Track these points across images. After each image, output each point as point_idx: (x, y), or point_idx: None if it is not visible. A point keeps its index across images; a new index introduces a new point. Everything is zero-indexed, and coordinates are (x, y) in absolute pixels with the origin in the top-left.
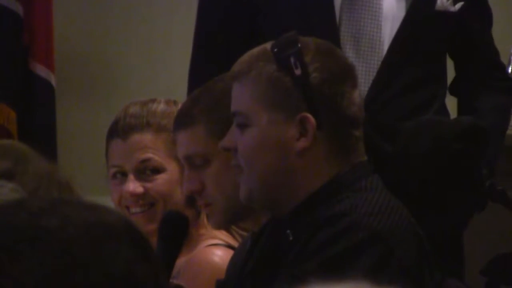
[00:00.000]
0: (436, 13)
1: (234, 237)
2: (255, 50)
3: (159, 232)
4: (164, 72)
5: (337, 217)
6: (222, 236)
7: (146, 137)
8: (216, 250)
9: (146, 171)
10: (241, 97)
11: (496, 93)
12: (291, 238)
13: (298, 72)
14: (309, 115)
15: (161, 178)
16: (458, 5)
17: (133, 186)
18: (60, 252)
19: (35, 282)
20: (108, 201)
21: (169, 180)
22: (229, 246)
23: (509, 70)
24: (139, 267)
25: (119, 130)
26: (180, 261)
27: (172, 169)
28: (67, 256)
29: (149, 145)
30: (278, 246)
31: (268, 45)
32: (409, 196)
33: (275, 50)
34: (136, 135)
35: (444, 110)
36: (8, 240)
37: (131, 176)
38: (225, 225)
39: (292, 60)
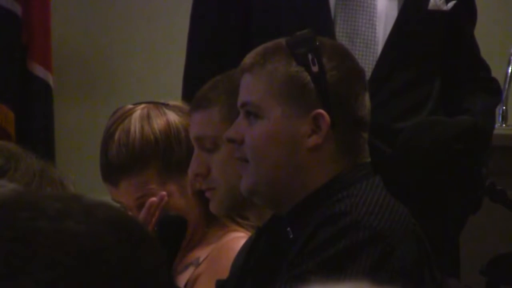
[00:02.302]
0: (429, 13)
1: (250, 231)
2: (269, 44)
3: (157, 234)
4: (164, 72)
5: (338, 216)
6: (243, 230)
7: (134, 180)
8: (243, 241)
9: (145, 203)
10: (253, 88)
11: (483, 94)
12: (291, 236)
13: (315, 69)
14: (324, 113)
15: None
16: (451, 4)
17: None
18: (92, 258)
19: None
20: (108, 201)
21: (174, 202)
22: None
23: (509, 70)
24: (158, 264)
25: (106, 175)
26: (201, 252)
27: (171, 192)
28: (98, 263)
29: (139, 185)
30: (278, 243)
31: (283, 41)
32: (409, 196)
33: (293, 45)
34: (124, 182)
35: (438, 109)
36: (30, 245)
37: (135, 212)
38: (225, 211)
39: (310, 56)
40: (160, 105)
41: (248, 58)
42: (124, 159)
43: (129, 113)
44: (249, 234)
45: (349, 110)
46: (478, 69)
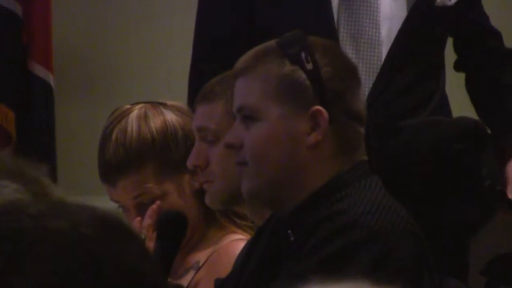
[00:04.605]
0: (437, 9)
1: (248, 233)
2: (260, 47)
3: (157, 232)
4: (164, 72)
5: (335, 215)
6: (241, 232)
7: (131, 179)
8: (241, 244)
9: (144, 202)
10: (248, 92)
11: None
12: (292, 239)
13: (309, 66)
14: (322, 109)
15: (163, 204)
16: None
17: (134, 221)
18: (77, 251)
19: (53, 282)
20: (108, 201)
21: (171, 201)
22: None
23: None
24: (146, 263)
25: (104, 175)
26: (201, 255)
27: (169, 192)
28: (84, 255)
29: (136, 184)
30: (279, 246)
31: (272, 42)
32: (409, 196)
33: (285, 45)
34: (121, 181)
35: (444, 104)
36: (16, 243)
37: (133, 212)
38: (220, 205)
39: (303, 54)
40: (157, 105)
41: (240, 63)
42: (121, 159)
43: (127, 113)
44: (248, 236)
45: (345, 105)
46: (489, 37)
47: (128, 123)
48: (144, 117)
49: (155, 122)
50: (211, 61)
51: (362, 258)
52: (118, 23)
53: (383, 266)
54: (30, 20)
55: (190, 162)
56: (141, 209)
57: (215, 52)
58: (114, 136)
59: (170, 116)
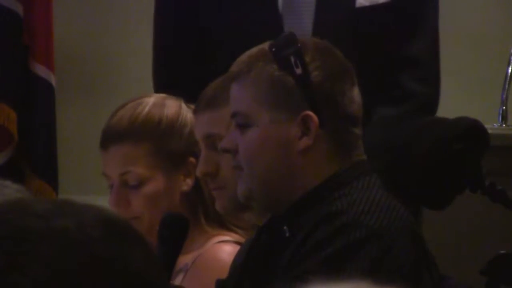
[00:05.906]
0: (360, 10)
1: (238, 234)
2: (254, 50)
3: (159, 234)
4: None
5: (334, 215)
6: (229, 233)
7: (124, 149)
8: (225, 246)
9: (128, 183)
10: (241, 97)
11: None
12: (287, 235)
13: (299, 71)
14: (311, 114)
15: (144, 190)
16: None
17: (113, 199)
18: (81, 252)
19: (55, 282)
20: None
21: (153, 191)
22: (238, 243)
23: (509, 70)
24: (149, 265)
25: (102, 139)
26: (187, 258)
27: (156, 179)
28: (88, 256)
29: (128, 157)
30: (275, 242)
31: (266, 45)
32: (409, 195)
33: (275, 50)
34: (115, 146)
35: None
36: (20, 242)
37: (114, 188)
38: (232, 211)
39: (292, 59)
40: (181, 100)
41: (234, 67)
42: (123, 126)
43: (147, 95)
44: (236, 236)
45: (337, 108)
46: (410, 67)
47: (144, 101)
48: (160, 103)
49: (168, 109)
50: (167, 67)
51: (362, 257)
52: (118, 23)
53: (383, 266)
54: (31, 20)
55: (200, 170)
56: (124, 189)
57: (171, 57)
58: (126, 107)
59: (187, 112)
